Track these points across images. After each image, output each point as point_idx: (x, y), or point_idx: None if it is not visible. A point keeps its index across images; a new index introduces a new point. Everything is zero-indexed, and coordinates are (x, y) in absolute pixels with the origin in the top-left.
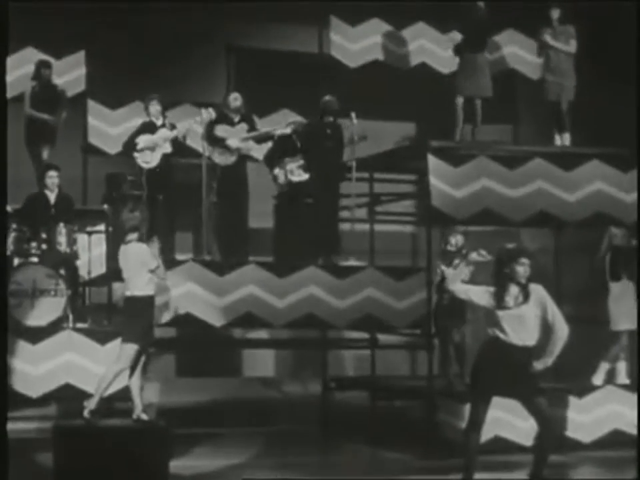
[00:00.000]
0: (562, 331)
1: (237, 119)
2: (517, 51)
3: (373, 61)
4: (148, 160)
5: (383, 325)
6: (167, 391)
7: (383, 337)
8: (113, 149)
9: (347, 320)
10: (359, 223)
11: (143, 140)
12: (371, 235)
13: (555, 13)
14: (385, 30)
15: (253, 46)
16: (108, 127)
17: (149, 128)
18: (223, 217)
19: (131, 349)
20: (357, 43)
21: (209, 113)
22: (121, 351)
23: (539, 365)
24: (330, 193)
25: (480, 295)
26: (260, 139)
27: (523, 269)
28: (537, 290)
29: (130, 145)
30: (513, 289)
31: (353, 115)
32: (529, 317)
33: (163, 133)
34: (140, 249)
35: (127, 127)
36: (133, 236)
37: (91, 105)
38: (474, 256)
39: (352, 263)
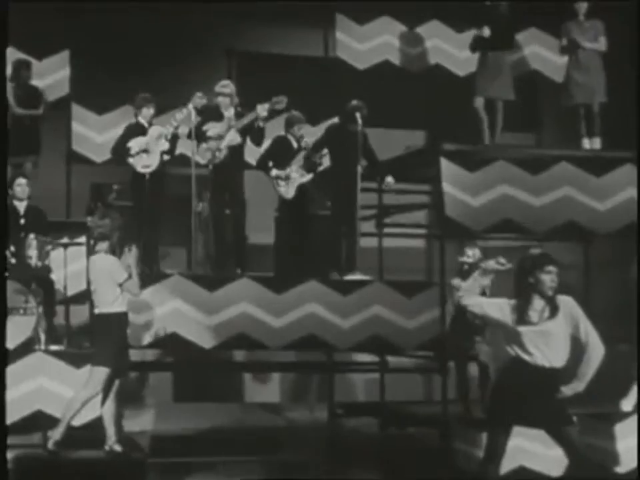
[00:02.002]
0: (596, 351)
1: (228, 110)
2: (539, 50)
3: (383, 62)
4: (148, 163)
5: (392, 346)
6: (163, 417)
7: (393, 360)
8: (100, 157)
9: (352, 341)
10: (366, 237)
11: (135, 143)
12: (380, 247)
13: (582, 8)
14: (396, 29)
15: (255, 49)
16: (94, 134)
17: (136, 130)
18: (215, 227)
19: (101, 372)
20: (365, 43)
21: (191, 108)
22: (90, 375)
23: (568, 391)
24: (346, 202)
25: (498, 308)
26: (245, 128)
27: (549, 278)
28: (566, 303)
29: (120, 151)
30: (538, 302)
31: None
32: (556, 335)
33: (155, 129)
34: (107, 261)
35: (114, 134)
36: (102, 246)
37: (76, 109)
38: (491, 264)
39: (357, 277)
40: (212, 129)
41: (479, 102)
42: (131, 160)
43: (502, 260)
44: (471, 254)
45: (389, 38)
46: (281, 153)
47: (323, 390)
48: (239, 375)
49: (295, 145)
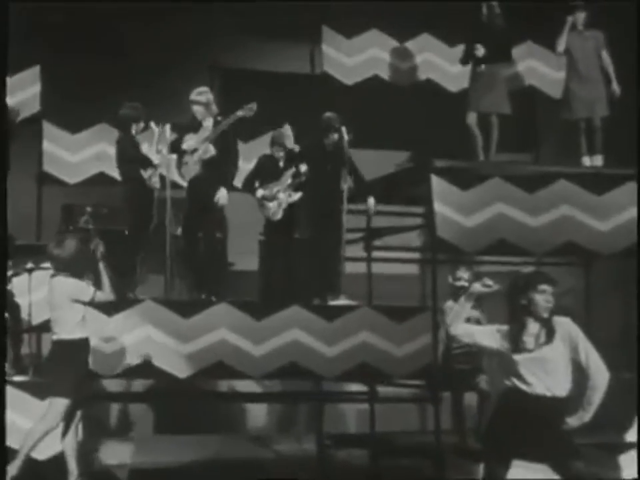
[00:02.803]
0: (600, 376)
1: (207, 120)
2: (535, 65)
3: (372, 77)
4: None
5: (381, 374)
6: (143, 450)
7: (383, 389)
8: (73, 178)
9: (338, 370)
10: (353, 261)
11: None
12: (368, 271)
13: (580, 18)
14: (386, 42)
15: (239, 65)
16: (67, 153)
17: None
18: (187, 249)
19: (61, 404)
20: (353, 57)
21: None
22: (49, 407)
23: (573, 421)
24: (331, 224)
25: (489, 336)
26: (217, 139)
27: (543, 298)
28: (564, 325)
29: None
30: (533, 326)
31: (344, 129)
32: (555, 361)
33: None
34: (67, 284)
35: (88, 153)
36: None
37: (47, 127)
38: (477, 287)
39: (343, 302)
40: (188, 141)
41: (472, 117)
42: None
43: (488, 282)
44: (465, 276)
45: (378, 52)
46: (267, 173)
47: (311, 420)
48: (224, 405)
49: (281, 163)
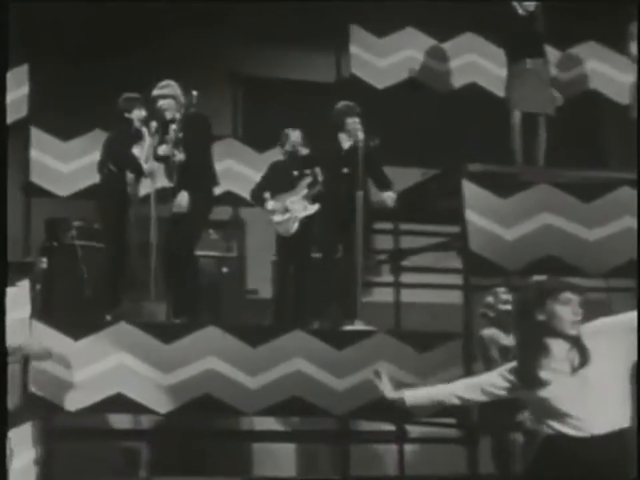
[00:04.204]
0: None
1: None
2: (599, 67)
3: (406, 80)
4: None
5: (402, 412)
6: None
7: (414, 429)
8: (64, 190)
9: (349, 406)
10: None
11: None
12: (396, 295)
13: None
14: (422, 42)
15: (263, 74)
16: (57, 163)
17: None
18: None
19: None
20: (385, 58)
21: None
22: None
23: None
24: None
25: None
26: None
27: (570, 310)
28: (598, 332)
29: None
30: (559, 348)
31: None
32: (600, 383)
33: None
34: None
35: (82, 163)
36: None
37: (35, 134)
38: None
39: (355, 327)
40: (161, 146)
41: (517, 117)
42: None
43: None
44: (510, 299)
45: (414, 53)
46: (279, 181)
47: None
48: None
49: (295, 172)
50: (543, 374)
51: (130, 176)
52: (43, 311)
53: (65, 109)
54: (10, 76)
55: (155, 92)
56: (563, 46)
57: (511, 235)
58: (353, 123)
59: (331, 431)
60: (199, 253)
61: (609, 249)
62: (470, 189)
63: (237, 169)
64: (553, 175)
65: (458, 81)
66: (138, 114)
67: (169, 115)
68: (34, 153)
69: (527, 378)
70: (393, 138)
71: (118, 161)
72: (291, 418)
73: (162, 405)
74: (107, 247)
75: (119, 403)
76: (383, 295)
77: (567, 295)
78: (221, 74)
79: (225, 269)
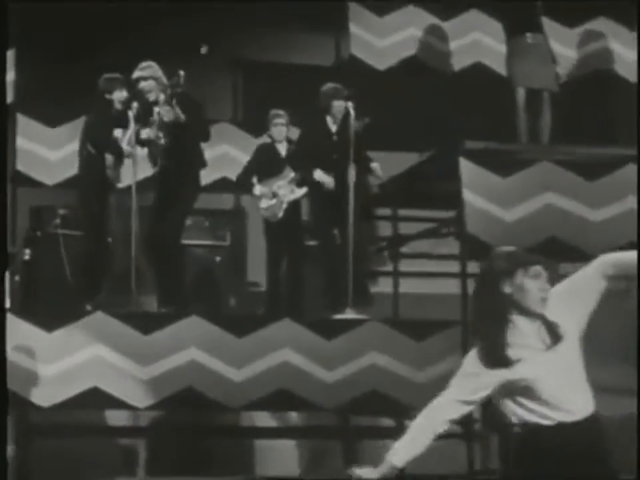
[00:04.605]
0: None
1: (160, 98)
2: (611, 45)
3: (408, 58)
4: None
5: (397, 405)
6: None
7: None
8: (52, 178)
9: (340, 399)
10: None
11: None
12: (395, 285)
13: None
14: (424, 20)
15: (262, 58)
16: (45, 150)
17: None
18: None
19: None
20: (385, 38)
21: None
22: None
23: None
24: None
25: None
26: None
27: (537, 285)
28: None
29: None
30: (526, 324)
31: (350, 104)
32: (569, 361)
33: None
34: None
35: (70, 150)
36: None
37: (22, 120)
38: None
39: (346, 315)
40: (144, 129)
41: (521, 95)
42: None
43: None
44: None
45: (416, 31)
46: (266, 165)
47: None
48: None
49: (282, 153)
50: (512, 352)
51: (109, 158)
52: (22, 303)
53: (54, 95)
54: None
55: (136, 73)
56: (573, 22)
57: (510, 215)
58: (339, 105)
59: (326, 426)
60: (189, 241)
61: (615, 230)
62: (468, 168)
63: (233, 154)
64: (555, 151)
65: (462, 61)
66: (119, 95)
67: (151, 97)
68: (20, 141)
69: (493, 356)
70: (392, 121)
71: (97, 142)
72: (288, 413)
73: (140, 399)
74: (86, 234)
75: (96, 398)
76: (383, 285)
77: (538, 268)
78: (219, 59)
79: (217, 258)
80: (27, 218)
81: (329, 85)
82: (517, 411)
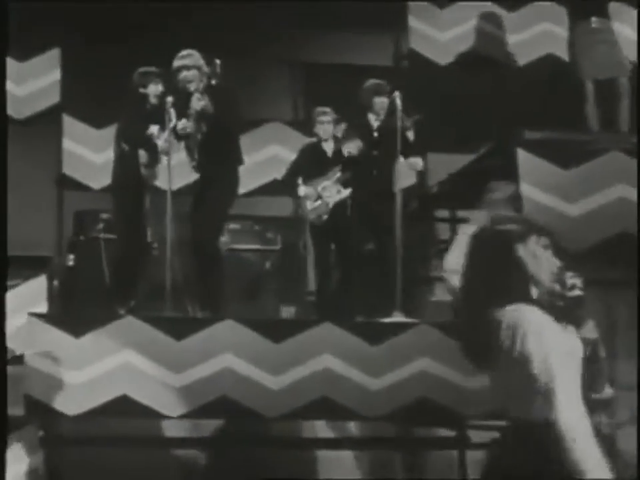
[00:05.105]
0: None
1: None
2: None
3: (471, 52)
4: None
5: (448, 414)
6: None
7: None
8: (98, 182)
9: (386, 408)
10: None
11: None
12: None
13: None
14: (489, 11)
15: (321, 60)
16: (91, 153)
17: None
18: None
19: None
20: (447, 31)
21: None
22: None
23: None
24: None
25: None
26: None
27: (548, 256)
28: None
29: None
30: None
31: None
32: None
33: None
34: None
35: None
36: None
37: (68, 122)
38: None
39: (393, 318)
40: (181, 120)
41: (590, 89)
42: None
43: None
44: (578, 283)
45: (480, 23)
46: (312, 166)
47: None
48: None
49: (329, 153)
50: None
51: (144, 155)
52: (60, 308)
53: (100, 95)
54: (40, 60)
55: (176, 62)
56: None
57: (575, 210)
58: (381, 102)
59: (384, 437)
60: (237, 246)
61: None
62: (525, 158)
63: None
64: (625, 140)
65: (531, 54)
66: (154, 89)
67: (192, 87)
68: (67, 143)
69: None
70: (450, 118)
71: (131, 139)
72: (346, 423)
73: (172, 407)
74: (121, 237)
75: (125, 406)
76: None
77: (547, 241)
78: (278, 60)
79: (267, 264)
80: (71, 222)
81: (371, 81)
82: None
